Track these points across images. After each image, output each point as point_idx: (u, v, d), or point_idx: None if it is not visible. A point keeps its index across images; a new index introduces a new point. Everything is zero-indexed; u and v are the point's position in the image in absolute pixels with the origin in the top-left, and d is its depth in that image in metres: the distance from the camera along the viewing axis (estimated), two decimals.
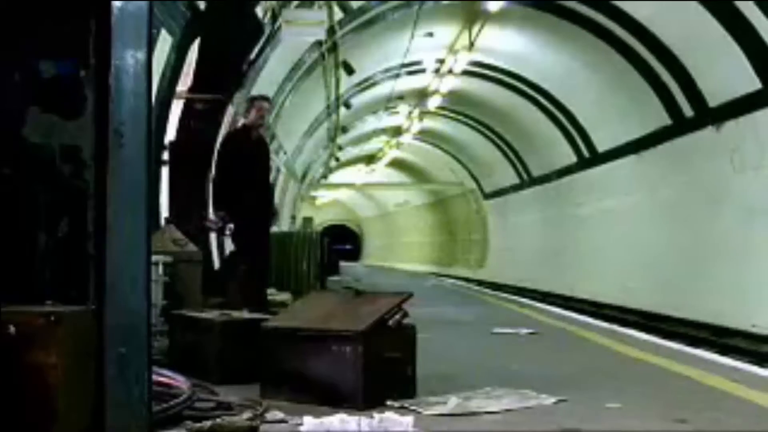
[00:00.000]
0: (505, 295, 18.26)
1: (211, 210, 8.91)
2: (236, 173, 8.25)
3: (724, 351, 12.48)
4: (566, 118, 22.43)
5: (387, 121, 32.25)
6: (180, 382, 4.23)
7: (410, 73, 24.30)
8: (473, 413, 4.28)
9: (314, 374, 4.55)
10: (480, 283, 28.03)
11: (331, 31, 14.93)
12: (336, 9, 14.18)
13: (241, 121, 10.31)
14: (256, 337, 4.94)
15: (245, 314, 5.87)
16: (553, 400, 4.56)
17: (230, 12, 9.83)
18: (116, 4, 2.94)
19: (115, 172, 2.92)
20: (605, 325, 10.46)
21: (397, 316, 4.59)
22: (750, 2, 12.65)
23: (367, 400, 4.37)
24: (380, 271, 36.42)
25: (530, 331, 8.54)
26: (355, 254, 67.65)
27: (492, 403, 4.45)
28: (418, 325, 4.84)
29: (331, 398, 4.43)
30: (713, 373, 5.77)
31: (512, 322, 9.30)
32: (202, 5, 9.40)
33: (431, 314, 9.43)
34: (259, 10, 11.15)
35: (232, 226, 8.45)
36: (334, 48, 16.71)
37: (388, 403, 4.42)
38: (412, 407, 4.34)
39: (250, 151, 8.47)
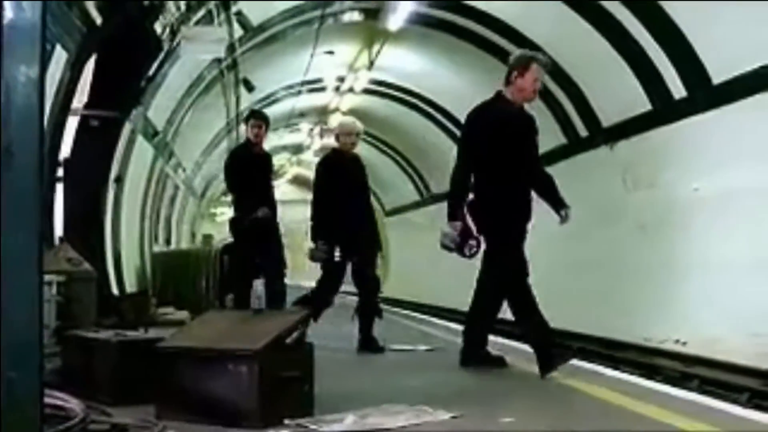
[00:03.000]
0: (406, 312, 18.38)
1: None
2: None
3: (617, 364, 12.83)
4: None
5: (288, 138, 32.23)
6: (73, 404, 4.17)
7: (311, 90, 24.38)
8: (370, 431, 4.32)
9: (211, 394, 4.52)
10: (383, 299, 28.08)
11: (231, 48, 14.88)
12: (236, 26, 14.13)
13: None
14: (151, 356, 4.88)
15: (140, 334, 5.81)
16: (448, 415, 4.63)
17: (127, 28, 9.72)
18: (6, 20, 2.89)
19: (5, 191, 2.87)
20: (502, 340, 10.61)
21: (295, 334, 4.61)
22: (641, 27, 13.07)
23: (264, 420, 4.37)
24: (292, 289, 36.19)
25: (428, 347, 8.63)
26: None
27: (388, 420, 4.50)
28: (317, 343, 4.86)
29: (228, 418, 4.41)
30: (603, 386, 5.93)
31: (411, 339, 9.39)
32: (98, 21, 9.27)
33: (330, 332, 9.44)
34: (157, 27, 11.06)
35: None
36: (234, 65, 16.65)
37: (286, 422, 4.42)
38: (310, 426, 4.35)
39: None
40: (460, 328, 12.77)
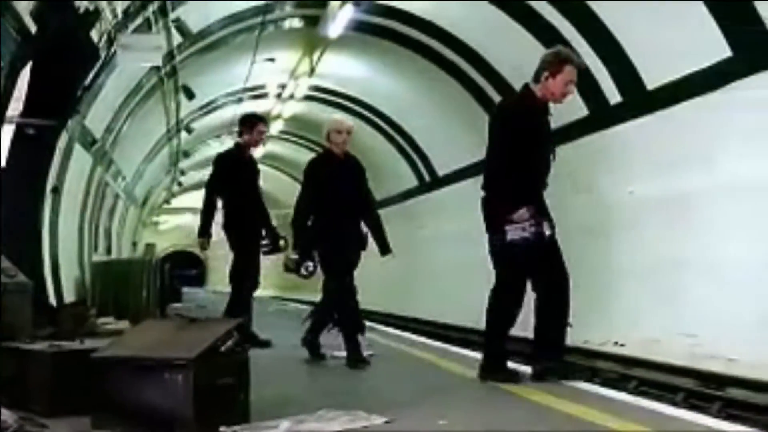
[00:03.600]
0: None
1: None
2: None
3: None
4: (406, 142, 22.89)
5: (230, 145, 32.06)
6: (6, 415, 4.15)
7: (253, 97, 24.31)
8: None
9: (147, 402, 4.52)
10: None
11: (170, 55, 14.81)
12: (175, 33, 14.07)
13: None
14: (87, 366, 4.87)
15: (76, 344, 5.77)
16: (382, 420, 4.69)
17: (63, 36, 9.64)
18: None
19: None
20: (442, 345, 10.73)
21: (230, 342, 4.63)
22: (577, 33, 13.28)
23: (199, 427, 4.39)
24: (225, 296, 36.01)
25: (369, 353, 8.68)
26: (200, 280, 66.78)
27: (324, 426, 4.54)
28: (256, 350, 4.90)
29: (163, 426, 4.42)
30: (540, 389, 6.03)
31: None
32: (33, 29, 9.18)
33: (270, 339, 9.48)
34: (94, 35, 10.97)
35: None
36: (173, 72, 16.57)
37: (221, 429, 4.44)
38: None
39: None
40: (401, 333, 12.93)
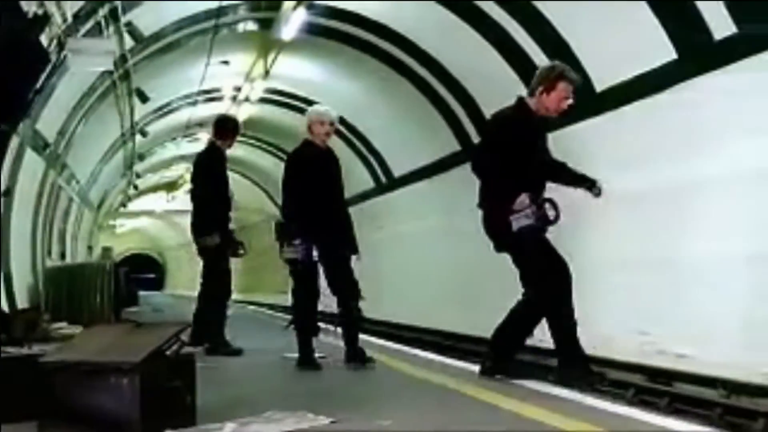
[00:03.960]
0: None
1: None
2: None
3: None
4: (363, 144, 22.97)
5: (187, 148, 31.98)
6: None
7: (209, 100, 24.26)
8: None
9: (93, 407, 4.55)
10: (286, 308, 28.04)
11: (122, 59, 14.76)
12: (127, 37, 14.02)
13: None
14: (35, 372, 4.88)
15: (25, 350, 5.78)
16: (328, 420, 4.76)
17: (12, 41, 9.59)
18: None
19: None
20: (396, 346, 10.82)
21: (176, 346, 4.67)
22: (526, 34, 13.44)
23: (146, 430, 4.42)
24: (184, 300, 35.85)
25: (321, 355, 8.75)
26: (159, 283, 66.44)
27: (270, 427, 4.60)
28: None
29: (111, 430, 4.46)
30: (489, 388, 6.12)
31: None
32: None
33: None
34: (44, 39, 10.92)
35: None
36: (126, 76, 16.50)
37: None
38: None
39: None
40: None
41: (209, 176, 9.28)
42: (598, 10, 11.68)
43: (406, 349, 10.30)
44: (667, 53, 10.89)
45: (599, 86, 12.63)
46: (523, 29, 13.41)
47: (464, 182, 18.41)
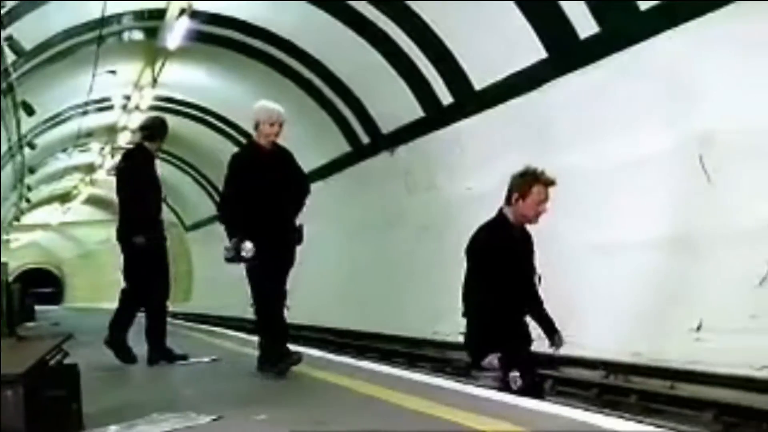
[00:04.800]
0: (205, 326, 18.54)
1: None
2: None
3: (414, 360, 13.52)
4: None
5: (79, 158, 31.66)
6: None
7: (99, 109, 24.13)
8: None
9: None
10: (187, 315, 27.95)
11: (5, 72, 14.64)
12: (8, 51, 13.91)
13: None
14: None
15: None
16: (209, 418, 5.00)
17: None
18: None
19: None
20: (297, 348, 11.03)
21: (59, 356, 4.86)
22: (408, 39, 13.88)
23: None
24: (83, 313, 35.40)
25: (213, 357, 8.94)
26: (58, 297, 65.20)
27: (153, 428, 4.82)
28: (97, 361, 5.11)
29: None
30: (372, 382, 6.41)
31: (198, 352, 9.62)
32: None
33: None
34: None
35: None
36: (10, 89, 16.34)
37: None
38: None
39: None
40: (246, 337, 13.13)
41: (135, 178, 8.87)
42: (473, 12, 12.16)
43: (310, 351, 10.51)
44: (537, 53, 11.42)
45: (478, 85, 13.14)
46: (403, 32, 13.83)
47: (356, 182, 18.87)
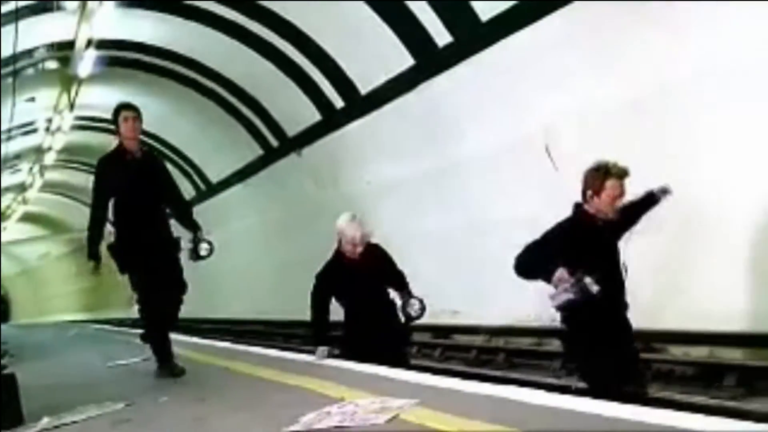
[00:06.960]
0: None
1: None
2: None
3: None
4: (179, 158, 24.30)
5: (10, 179, 32.48)
6: None
7: (25, 133, 25.12)
8: (60, 423, 5.95)
9: None
10: (134, 321, 28.59)
11: None
12: None
13: None
14: None
15: None
16: (122, 404, 6.31)
17: None
18: None
19: None
20: (222, 344, 12.27)
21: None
22: (295, 50, 15.17)
23: None
24: (28, 329, 36.05)
25: (145, 357, 9.95)
26: (4, 315, 65.30)
27: (77, 416, 6.13)
28: (40, 369, 6.18)
29: None
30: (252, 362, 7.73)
31: (134, 354, 10.26)
32: None
33: (58, 361, 10.48)
34: None
35: None
36: None
37: None
38: None
39: None
40: (183, 338, 14.27)
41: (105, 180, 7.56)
42: (347, 25, 13.47)
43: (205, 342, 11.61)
44: (406, 60, 12.81)
45: (363, 90, 14.49)
46: (289, 43, 15.11)
47: (271, 182, 20.08)
